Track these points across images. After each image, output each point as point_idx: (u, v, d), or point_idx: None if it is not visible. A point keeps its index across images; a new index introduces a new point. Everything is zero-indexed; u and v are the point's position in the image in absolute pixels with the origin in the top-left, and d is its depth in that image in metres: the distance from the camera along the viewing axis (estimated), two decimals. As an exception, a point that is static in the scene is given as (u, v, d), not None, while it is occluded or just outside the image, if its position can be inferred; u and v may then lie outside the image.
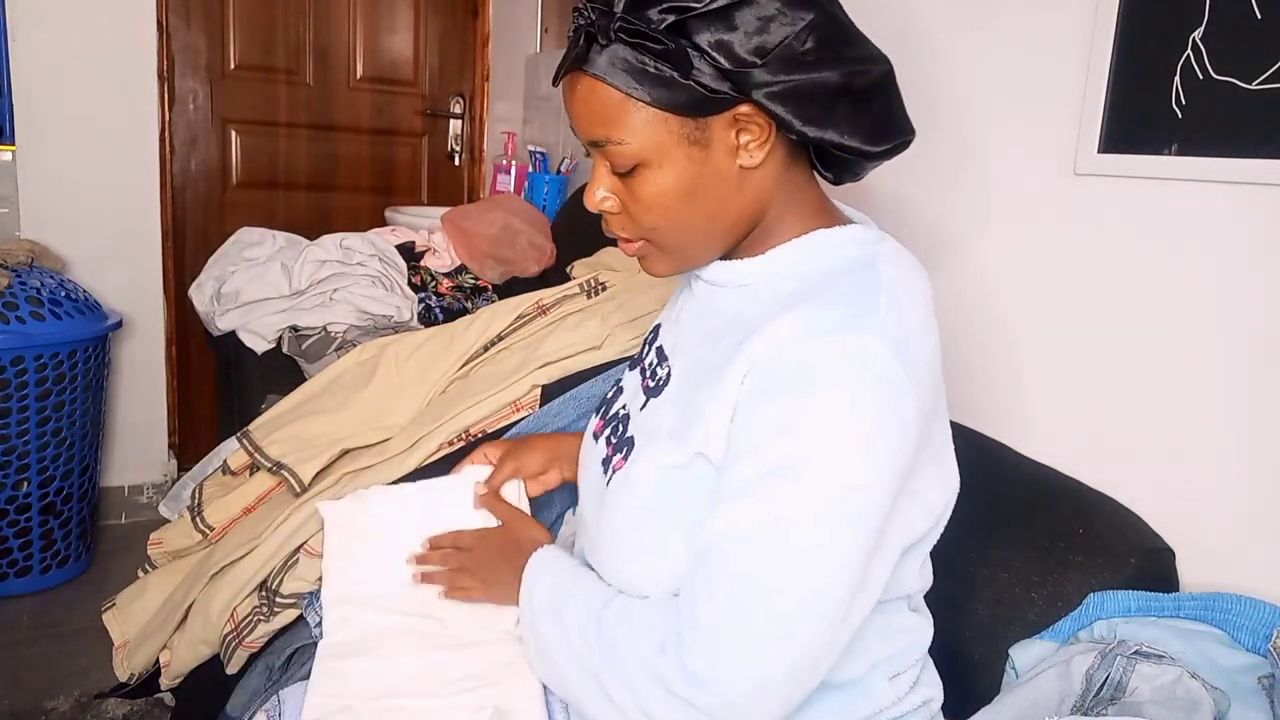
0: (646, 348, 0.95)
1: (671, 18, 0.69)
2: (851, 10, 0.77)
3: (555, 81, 0.78)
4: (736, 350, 0.73)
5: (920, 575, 0.84)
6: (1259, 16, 0.91)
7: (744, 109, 0.72)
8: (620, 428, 0.87)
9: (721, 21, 0.69)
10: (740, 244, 0.82)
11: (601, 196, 0.79)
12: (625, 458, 0.83)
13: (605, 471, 0.86)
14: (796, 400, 0.68)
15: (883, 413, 0.68)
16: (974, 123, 1.26)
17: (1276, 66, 0.90)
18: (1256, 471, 0.94)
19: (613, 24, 0.70)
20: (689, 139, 0.73)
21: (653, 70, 0.70)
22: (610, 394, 0.96)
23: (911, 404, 0.69)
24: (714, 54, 0.69)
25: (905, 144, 0.79)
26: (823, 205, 0.82)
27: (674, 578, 0.76)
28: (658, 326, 0.96)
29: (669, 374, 0.85)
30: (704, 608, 0.70)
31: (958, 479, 0.81)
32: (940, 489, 0.79)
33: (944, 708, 0.90)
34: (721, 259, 0.83)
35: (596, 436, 0.92)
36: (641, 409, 0.86)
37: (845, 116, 0.74)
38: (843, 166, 0.81)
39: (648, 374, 0.89)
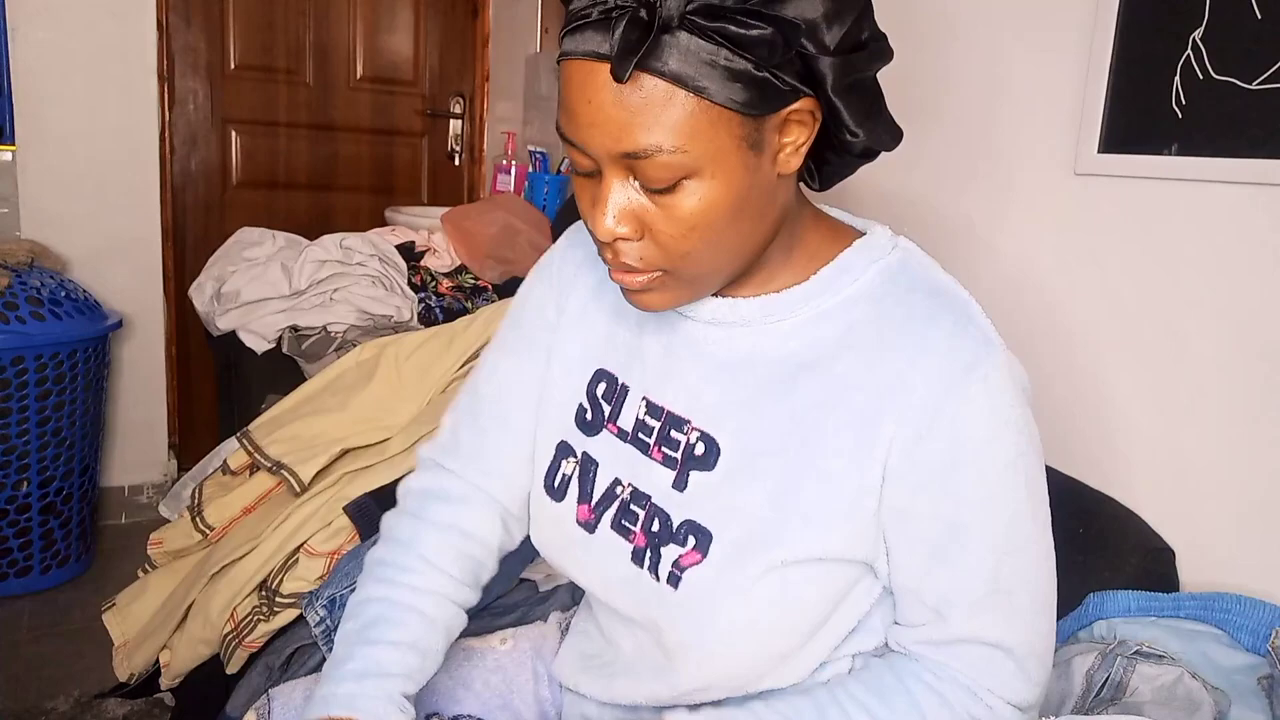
0: (602, 404, 0.79)
1: None
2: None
3: (618, 71, 0.59)
4: (876, 410, 0.67)
5: None
6: (1259, 16, 0.91)
7: (799, 105, 0.63)
8: (640, 511, 0.74)
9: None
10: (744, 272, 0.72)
11: (621, 218, 0.64)
12: (700, 551, 0.70)
13: (649, 568, 0.73)
14: (994, 445, 0.67)
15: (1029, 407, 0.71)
16: (973, 123, 1.26)
17: (1276, 66, 0.90)
18: (1256, 471, 0.94)
19: (685, 5, 0.58)
20: (747, 142, 0.62)
21: (723, 61, 0.58)
22: (564, 468, 0.80)
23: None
24: (803, 39, 0.60)
25: (892, 146, 0.75)
26: (819, 215, 0.75)
27: (785, 643, 0.72)
28: (601, 373, 0.80)
29: (705, 438, 0.72)
30: (1002, 654, 0.70)
31: None
32: None
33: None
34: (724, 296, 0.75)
35: (590, 526, 0.77)
36: (682, 488, 0.72)
37: (879, 114, 0.69)
38: (834, 172, 0.75)
39: (654, 442, 0.75)
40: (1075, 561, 0.97)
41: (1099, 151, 1.07)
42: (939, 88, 1.31)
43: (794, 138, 0.65)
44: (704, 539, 0.70)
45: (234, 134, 2.80)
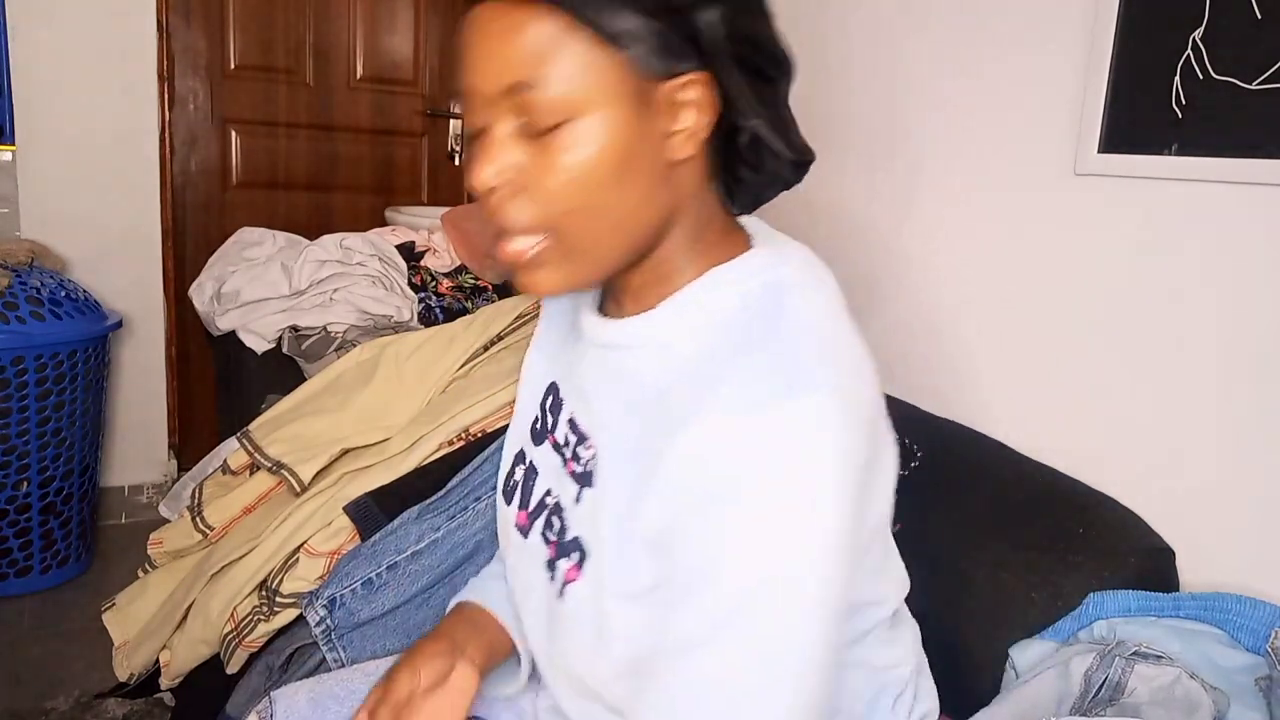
0: (548, 416, 0.79)
1: None
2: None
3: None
4: (661, 445, 0.62)
5: (897, 585, 0.80)
6: (1259, 16, 0.91)
7: (693, 79, 0.63)
8: (557, 522, 0.73)
9: None
10: (634, 277, 0.69)
11: (501, 168, 0.62)
12: (579, 568, 0.69)
13: (551, 578, 0.72)
14: (758, 493, 0.58)
15: (844, 473, 0.59)
16: (973, 123, 1.26)
17: (1276, 66, 0.90)
18: (1256, 471, 0.94)
19: None
20: (634, 99, 0.61)
21: (619, 5, 0.60)
22: (516, 474, 0.81)
23: (863, 443, 0.61)
24: None
25: (807, 166, 0.71)
26: (727, 229, 0.71)
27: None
28: (553, 386, 0.80)
29: (595, 458, 0.70)
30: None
31: (895, 468, 0.71)
32: (884, 498, 0.69)
33: (944, 707, 0.89)
34: (609, 315, 0.73)
35: (524, 531, 0.77)
36: (577, 501, 0.71)
37: (780, 106, 0.67)
38: (749, 190, 0.72)
39: (568, 455, 0.74)
40: (1075, 561, 0.97)
41: (1099, 151, 1.07)
42: (937, 88, 1.31)
43: (686, 124, 0.63)
44: (582, 557, 0.69)
45: (234, 134, 2.80)
